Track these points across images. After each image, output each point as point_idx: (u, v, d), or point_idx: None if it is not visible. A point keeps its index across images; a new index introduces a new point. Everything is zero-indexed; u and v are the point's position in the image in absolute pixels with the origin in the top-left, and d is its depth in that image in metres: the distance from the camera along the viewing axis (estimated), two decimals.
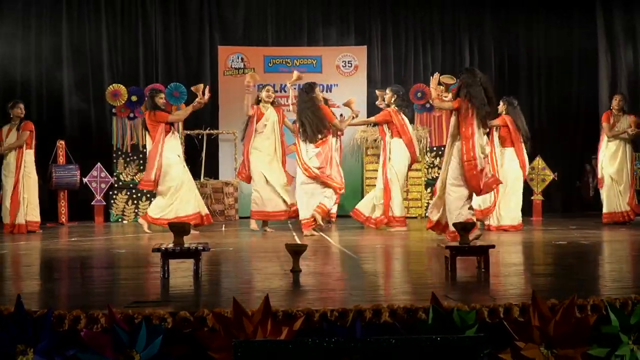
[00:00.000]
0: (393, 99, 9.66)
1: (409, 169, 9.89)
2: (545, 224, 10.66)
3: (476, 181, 7.24)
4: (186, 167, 9.48)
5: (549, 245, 7.69)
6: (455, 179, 7.35)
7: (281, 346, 3.07)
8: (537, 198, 12.18)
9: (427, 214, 9.68)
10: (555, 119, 13.64)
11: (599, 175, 10.63)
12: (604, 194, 10.49)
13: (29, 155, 9.85)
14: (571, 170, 13.47)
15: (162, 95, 9.60)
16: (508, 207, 9.45)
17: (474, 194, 7.51)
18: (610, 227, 9.84)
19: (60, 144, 11.72)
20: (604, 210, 10.46)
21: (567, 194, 13.48)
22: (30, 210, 9.86)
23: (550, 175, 12.11)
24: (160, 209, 9.23)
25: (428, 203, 11.88)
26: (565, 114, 13.78)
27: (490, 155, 8.58)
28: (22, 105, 9.93)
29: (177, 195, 9.19)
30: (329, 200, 8.98)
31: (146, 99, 9.92)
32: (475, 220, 7.18)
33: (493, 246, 5.40)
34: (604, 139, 10.52)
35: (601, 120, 10.69)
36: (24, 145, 9.75)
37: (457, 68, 13.41)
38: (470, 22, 13.90)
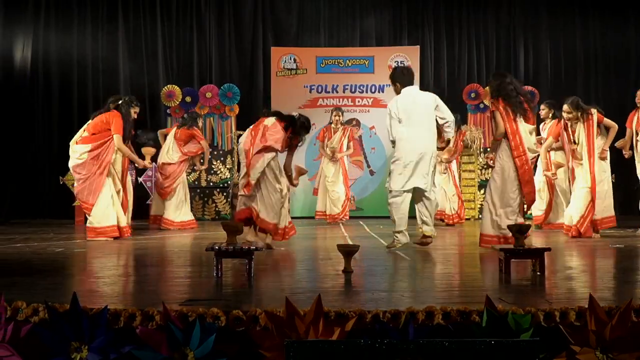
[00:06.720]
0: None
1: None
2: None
3: (529, 175, 7.07)
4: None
5: (605, 248, 7.54)
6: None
7: (333, 346, 3.07)
8: None
9: None
10: (613, 120, 13.38)
11: None
12: None
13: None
14: (631, 172, 13.19)
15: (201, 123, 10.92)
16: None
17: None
18: None
19: None
20: None
21: (626, 196, 13.17)
22: None
23: None
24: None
25: (481, 205, 11.75)
26: (623, 115, 13.50)
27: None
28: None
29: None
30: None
31: (190, 120, 10.55)
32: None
33: (549, 249, 5.34)
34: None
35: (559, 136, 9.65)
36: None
37: (512, 68, 13.30)
38: (525, 22, 13.72)
